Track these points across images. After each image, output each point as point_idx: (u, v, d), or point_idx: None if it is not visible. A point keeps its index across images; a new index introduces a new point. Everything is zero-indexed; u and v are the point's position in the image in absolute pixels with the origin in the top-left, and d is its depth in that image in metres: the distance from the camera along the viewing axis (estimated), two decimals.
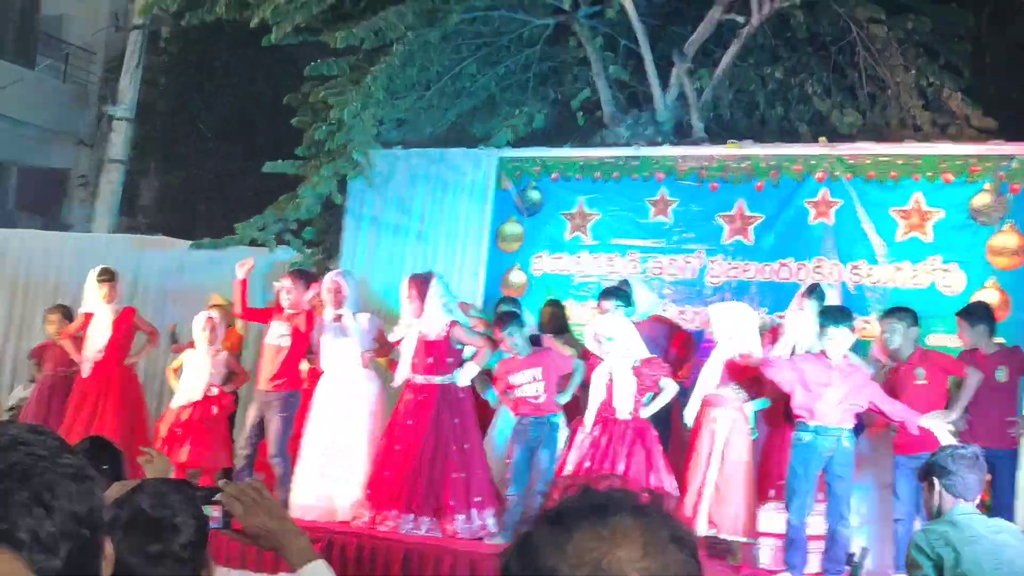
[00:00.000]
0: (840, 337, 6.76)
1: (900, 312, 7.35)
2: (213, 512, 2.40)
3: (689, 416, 7.22)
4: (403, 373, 7.82)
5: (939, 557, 4.49)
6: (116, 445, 4.61)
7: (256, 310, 8.75)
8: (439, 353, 7.68)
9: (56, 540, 1.30)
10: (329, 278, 8.36)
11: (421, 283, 7.84)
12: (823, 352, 6.82)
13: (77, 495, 1.34)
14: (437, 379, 7.67)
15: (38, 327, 10.76)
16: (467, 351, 7.89)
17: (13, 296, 12.07)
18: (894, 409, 6.70)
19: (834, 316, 6.90)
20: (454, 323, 7.71)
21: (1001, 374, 7.11)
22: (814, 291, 7.56)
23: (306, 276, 8.76)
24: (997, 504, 6.69)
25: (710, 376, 7.18)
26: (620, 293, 7.95)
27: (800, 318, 7.26)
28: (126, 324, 9.27)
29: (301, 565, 2.33)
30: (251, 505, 2.31)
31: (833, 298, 8.08)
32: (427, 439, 7.55)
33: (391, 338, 8.18)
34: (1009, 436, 7.06)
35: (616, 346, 7.15)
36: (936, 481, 4.80)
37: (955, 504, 4.75)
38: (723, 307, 7.72)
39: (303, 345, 8.33)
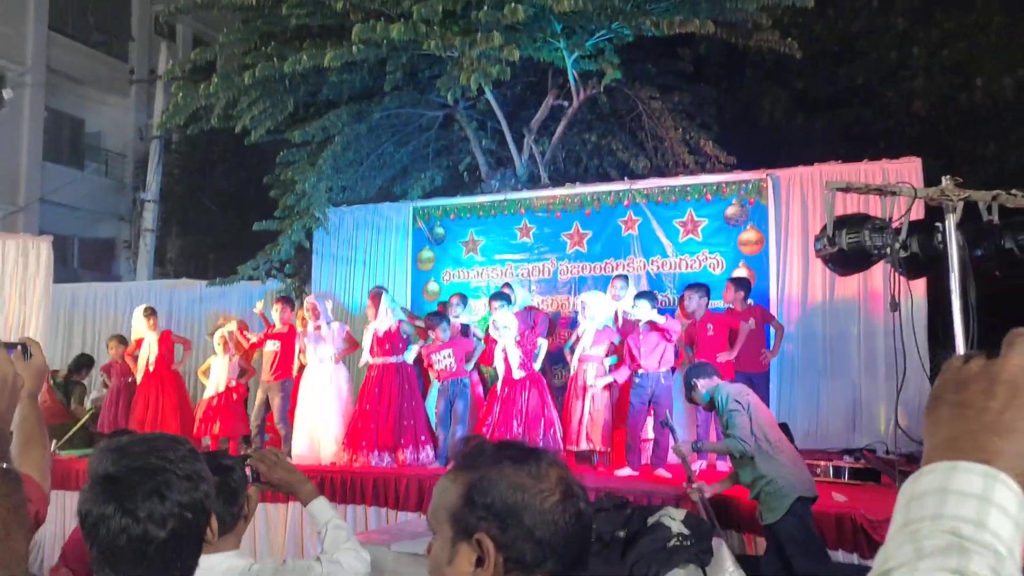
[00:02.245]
0: (644, 308, 6.69)
1: (697, 286, 7.32)
2: (247, 471, 2.35)
3: (571, 367, 7.11)
4: (365, 357, 7.62)
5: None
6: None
7: (256, 342, 8.45)
8: (392, 341, 7.54)
9: (164, 519, 1.31)
10: (308, 300, 8.09)
11: (375, 296, 7.73)
12: (638, 321, 6.71)
13: (186, 490, 1.34)
14: (392, 359, 7.52)
15: (103, 351, 10.36)
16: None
17: (83, 331, 11.78)
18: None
19: (642, 295, 6.91)
20: (400, 321, 7.60)
21: (752, 323, 7.07)
22: (624, 280, 7.57)
23: (289, 301, 8.61)
24: None
25: (586, 341, 7.02)
26: (503, 295, 7.72)
27: (603, 298, 7.22)
28: (167, 341, 9.02)
29: (309, 501, 2.33)
30: (272, 464, 2.28)
31: (641, 284, 8.05)
32: (388, 400, 7.40)
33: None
34: (761, 363, 7.05)
35: (507, 332, 7.07)
36: (698, 382, 4.95)
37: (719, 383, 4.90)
38: (591, 295, 7.34)
39: (290, 349, 8.21)
